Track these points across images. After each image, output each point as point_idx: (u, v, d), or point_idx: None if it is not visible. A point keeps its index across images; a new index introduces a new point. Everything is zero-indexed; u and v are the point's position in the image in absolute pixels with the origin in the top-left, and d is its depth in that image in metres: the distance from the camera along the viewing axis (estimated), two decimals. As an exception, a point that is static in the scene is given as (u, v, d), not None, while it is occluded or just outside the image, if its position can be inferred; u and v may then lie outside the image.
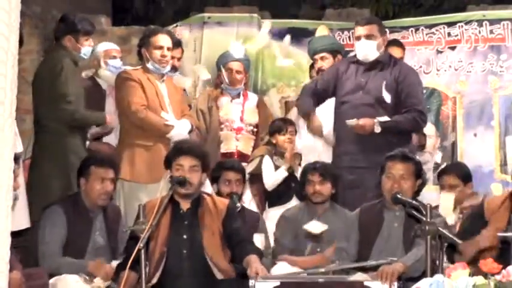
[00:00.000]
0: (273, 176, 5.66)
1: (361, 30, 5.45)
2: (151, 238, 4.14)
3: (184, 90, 6.18)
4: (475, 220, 4.27)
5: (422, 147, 6.14)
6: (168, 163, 4.46)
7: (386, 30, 5.75)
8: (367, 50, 5.45)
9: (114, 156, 5.13)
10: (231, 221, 4.43)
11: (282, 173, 5.64)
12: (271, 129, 5.80)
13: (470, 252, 4.02)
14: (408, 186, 4.49)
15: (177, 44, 5.96)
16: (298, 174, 5.52)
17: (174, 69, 6.06)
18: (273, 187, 5.67)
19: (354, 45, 5.66)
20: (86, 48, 5.59)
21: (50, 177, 5.31)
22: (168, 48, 5.56)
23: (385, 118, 5.32)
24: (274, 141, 5.76)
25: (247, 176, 5.64)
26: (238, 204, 5.03)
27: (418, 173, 4.58)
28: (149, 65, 5.53)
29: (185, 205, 4.44)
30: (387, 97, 5.38)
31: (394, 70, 5.46)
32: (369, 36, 5.42)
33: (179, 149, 4.51)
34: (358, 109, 5.38)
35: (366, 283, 4.00)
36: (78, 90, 5.49)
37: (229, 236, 4.38)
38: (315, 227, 4.95)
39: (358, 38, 5.47)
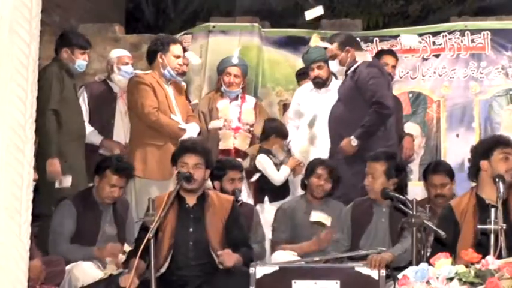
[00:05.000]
0: (280, 174, 5.66)
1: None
2: (159, 230, 4.12)
3: (186, 94, 6.16)
4: (447, 223, 4.07)
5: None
6: (174, 161, 4.46)
7: (358, 41, 5.94)
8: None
9: (131, 166, 5.00)
10: (233, 224, 4.43)
11: (287, 170, 5.69)
12: (269, 131, 5.81)
13: None
14: (378, 184, 4.50)
15: (184, 50, 5.98)
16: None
17: (183, 73, 6.04)
18: (280, 183, 5.68)
19: None
20: (80, 62, 5.46)
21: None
22: (183, 57, 5.61)
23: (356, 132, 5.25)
24: (271, 142, 5.78)
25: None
26: (240, 198, 5.04)
27: (390, 172, 4.52)
28: (165, 71, 5.52)
29: (191, 200, 4.42)
30: (354, 99, 5.36)
31: (354, 75, 5.44)
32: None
33: (184, 148, 4.51)
34: (337, 119, 5.44)
35: (356, 268, 4.00)
36: (67, 96, 5.33)
37: (229, 236, 4.38)
38: (319, 216, 4.98)
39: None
